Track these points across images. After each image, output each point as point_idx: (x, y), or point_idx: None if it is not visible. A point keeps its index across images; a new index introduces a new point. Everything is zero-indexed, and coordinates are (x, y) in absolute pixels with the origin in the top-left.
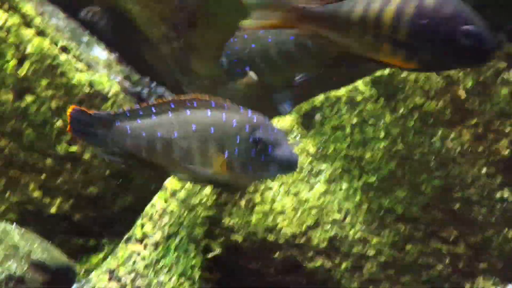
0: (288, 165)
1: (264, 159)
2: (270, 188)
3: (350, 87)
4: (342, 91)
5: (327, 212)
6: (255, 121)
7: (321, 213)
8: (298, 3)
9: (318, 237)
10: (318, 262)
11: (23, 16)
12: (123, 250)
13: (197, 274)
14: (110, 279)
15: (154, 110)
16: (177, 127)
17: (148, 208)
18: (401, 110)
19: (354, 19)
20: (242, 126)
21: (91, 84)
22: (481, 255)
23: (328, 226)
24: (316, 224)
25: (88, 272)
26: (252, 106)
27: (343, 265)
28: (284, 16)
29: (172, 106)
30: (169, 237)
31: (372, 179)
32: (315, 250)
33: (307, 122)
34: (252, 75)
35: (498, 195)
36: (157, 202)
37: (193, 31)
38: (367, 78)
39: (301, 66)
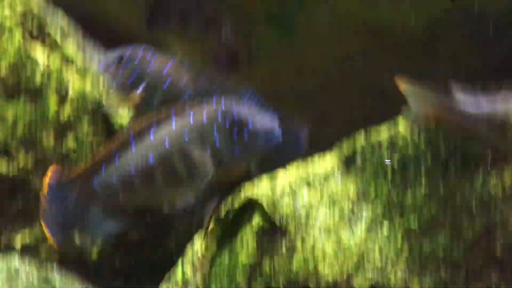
0: (271, 133)
1: (248, 137)
2: (311, 234)
3: (391, 130)
4: (383, 134)
5: (368, 257)
6: (223, 107)
7: (362, 258)
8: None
9: (360, 283)
10: None
11: (65, 57)
12: None
13: None
14: None
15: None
16: (151, 153)
17: (188, 252)
18: (443, 154)
19: None
20: (213, 118)
21: None
22: None
23: (369, 272)
24: (357, 270)
25: None
26: None
27: None
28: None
29: (132, 137)
30: (210, 282)
31: (413, 223)
32: None
33: (348, 165)
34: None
35: None
36: (199, 246)
37: (235, 71)
38: (408, 121)
39: None
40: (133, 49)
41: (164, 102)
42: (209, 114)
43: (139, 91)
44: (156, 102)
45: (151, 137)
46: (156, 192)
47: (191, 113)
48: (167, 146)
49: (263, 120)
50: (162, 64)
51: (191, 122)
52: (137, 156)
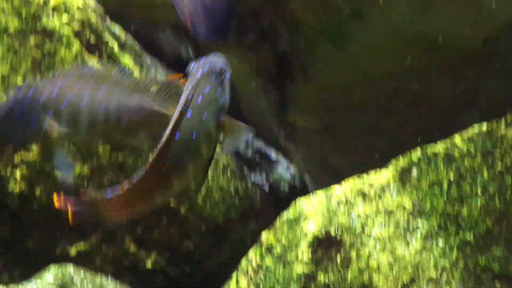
0: None
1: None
2: (366, 244)
3: (447, 142)
4: (439, 146)
5: (423, 269)
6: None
7: (417, 271)
8: None
9: None
10: None
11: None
12: None
13: None
14: None
15: None
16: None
17: (243, 263)
18: (499, 167)
19: None
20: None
21: None
22: None
23: (424, 284)
24: (412, 282)
25: None
26: None
27: None
28: None
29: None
30: None
31: (469, 236)
32: None
33: (403, 178)
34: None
35: None
36: (253, 257)
37: (290, 83)
38: (465, 134)
39: None
40: None
41: None
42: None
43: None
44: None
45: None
46: None
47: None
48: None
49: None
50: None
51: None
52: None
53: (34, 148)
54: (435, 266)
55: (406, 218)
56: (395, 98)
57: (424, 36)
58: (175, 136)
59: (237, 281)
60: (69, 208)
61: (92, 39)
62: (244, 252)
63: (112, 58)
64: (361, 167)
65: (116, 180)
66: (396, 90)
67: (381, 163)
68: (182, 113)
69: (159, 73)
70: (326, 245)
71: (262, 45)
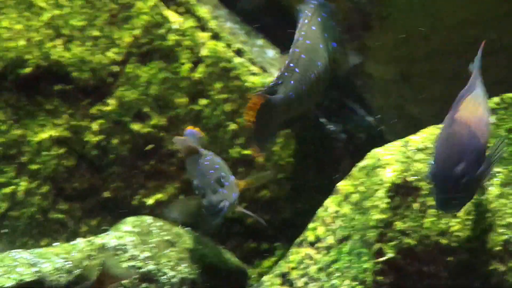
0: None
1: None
2: None
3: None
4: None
5: (501, 215)
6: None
7: (495, 217)
8: None
9: (492, 241)
10: (492, 265)
11: (198, 20)
12: (295, 253)
13: (369, 277)
14: (282, 283)
15: None
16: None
17: (320, 212)
18: None
19: None
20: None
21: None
22: None
23: (502, 230)
24: (489, 228)
25: (260, 275)
26: None
27: None
28: None
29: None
30: (341, 240)
31: None
32: (489, 253)
33: None
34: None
35: None
36: (330, 205)
37: (367, 33)
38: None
39: None
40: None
41: None
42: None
43: None
44: None
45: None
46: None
47: None
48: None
49: None
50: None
51: None
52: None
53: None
54: None
55: None
56: (474, 46)
57: None
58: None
59: (315, 229)
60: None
61: None
62: (321, 200)
63: (188, 7)
64: (439, 116)
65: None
66: (475, 37)
67: None
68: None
69: (236, 25)
70: (404, 192)
71: None
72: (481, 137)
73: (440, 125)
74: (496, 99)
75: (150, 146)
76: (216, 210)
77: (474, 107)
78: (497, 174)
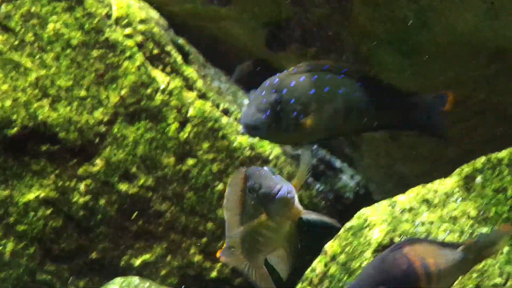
0: (271, 197)
1: (259, 201)
2: None
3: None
4: (504, 153)
5: (488, 275)
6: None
7: (482, 277)
8: None
9: None
10: None
11: (186, 79)
12: None
13: None
14: None
15: None
16: None
17: (308, 272)
18: None
19: None
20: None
21: (252, 147)
22: None
23: None
24: (477, 287)
25: None
26: None
27: None
28: None
29: None
30: None
31: None
32: None
33: (468, 185)
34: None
35: None
36: (317, 266)
37: None
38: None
39: None
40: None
41: None
42: None
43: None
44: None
45: None
46: None
47: None
48: None
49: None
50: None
51: None
52: None
53: (98, 161)
54: (500, 273)
55: (471, 225)
56: (463, 105)
57: (491, 44)
58: None
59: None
60: None
61: (155, 51)
62: (309, 261)
63: (175, 67)
64: (428, 176)
65: (181, 190)
66: (464, 97)
67: (448, 172)
68: None
69: (223, 84)
70: None
71: (327, 55)
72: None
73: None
74: (483, 159)
75: (134, 215)
76: (274, 192)
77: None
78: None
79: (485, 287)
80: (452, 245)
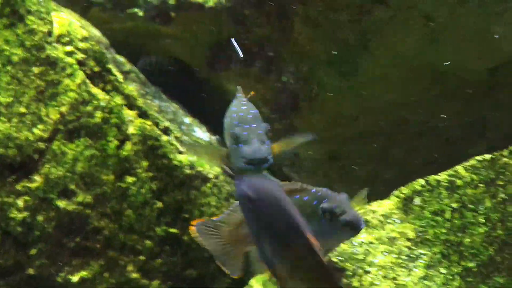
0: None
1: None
2: (369, 272)
3: (450, 171)
4: (442, 175)
5: None
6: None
7: None
8: None
9: None
10: None
11: (126, 97)
12: None
13: None
14: None
15: None
16: None
17: None
18: (501, 195)
19: None
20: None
21: (191, 166)
22: None
23: None
24: None
25: None
26: None
27: None
28: None
29: None
30: None
31: (471, 264)
32: None
33: (406, 206)
34: None
35: None
36: (255, 284)
37: (295, 113)
38: (468, 163)
39: None
40: None
41: None
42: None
43: None
44: None
45: None
46: None
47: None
48: None
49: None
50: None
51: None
52: None
53: (37, 177)
54: None
55: (408, 246)
56: (402, 128)
57: (431, 67)
58: None
59: None
60: None
61: (96, 69)
62: (246, 280)
63: (116, 85)
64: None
65: (120, 208)
66: (403, 120)
67: (387, 193)
68: None
69: (163, 102)
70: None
71: (268, 75)
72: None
73: (367, 205)
74: (421, 181)
75: None
76: (262, 159)
77: None
78: (421, 256)
79: None
80: None
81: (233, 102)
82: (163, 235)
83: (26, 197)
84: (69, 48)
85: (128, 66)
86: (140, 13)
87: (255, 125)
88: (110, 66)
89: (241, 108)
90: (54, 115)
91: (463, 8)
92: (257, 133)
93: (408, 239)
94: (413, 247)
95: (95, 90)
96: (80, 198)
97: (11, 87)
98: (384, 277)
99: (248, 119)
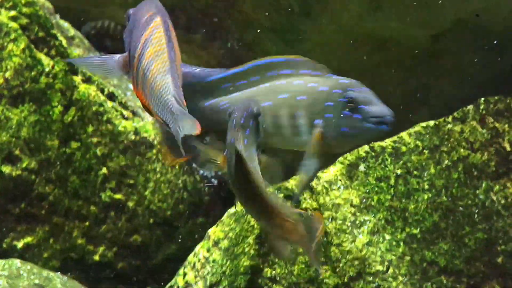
0: (382, 121)
1: (359, 117)
2: None
3: (395, 137)
4: (387, 142)
5: (369, 263)
6: (346, 82)
7: (364, 264)
8: None
9: (361, 287)
10: None
11: (71, 63)
12: None
13: None
14: None
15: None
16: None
17: (190, 257)
18: (446, 162)
19: None
20: (332, 89)
21: (136, 132)
22: None
23: (371, 278)
24: (358, 275)
25: None
26: None
27: None
28: None
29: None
30: (211, 286)
31: (415, 230)
32: None
33: (351, 173)
34: None
35: None
36: (200, 251)
37: None
38: (412, 129)
39: None
40: None
41: None
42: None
43: None
44: None
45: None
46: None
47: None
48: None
49: (378, 107)
50: None
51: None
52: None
53: None
54: (382, 260)
55: (353, 212)
56: None
57: (374, 34)
58: None
59: (184, 275)
60: None
61: (40, 34)
62: (192, 246)
63: (60, 50)
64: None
65: (64, 173)
66: None
67: (331, 162)
68: None
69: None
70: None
71: (211, 42)
72: None
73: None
74: (366, 148)
75: None
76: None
77: None
78: (365, 222)
79: (367, 274)
80: None
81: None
82: (108, 201)
83: None
84: (12, 12)
85: (72, 32)
86: None
87: (364, 88)
88: (55, 31)
89: (325, 78)
90: None
91: None
92: (374, 94)
93: (353, 206)
94: (358, 213)
95: (39, 55)
96: (24, 164)
97: None
98: (329, 243)
99: (352, 83)
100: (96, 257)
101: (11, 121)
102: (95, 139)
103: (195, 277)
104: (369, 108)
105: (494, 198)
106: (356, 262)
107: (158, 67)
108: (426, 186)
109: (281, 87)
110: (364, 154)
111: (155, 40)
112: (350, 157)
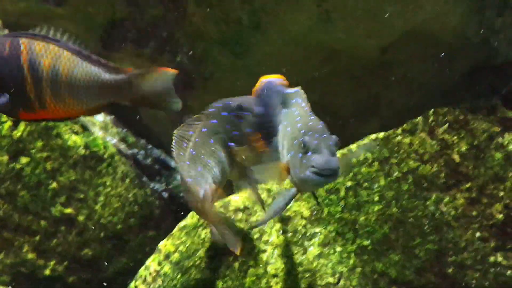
0: (319, 172)
1: (305, 162)
2: (264, 251)
3: (344, 150)
4: (337, 154)
5: (320, 275)
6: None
7: (315, 277)
8: None
9: None
10: None
11: None
12: None
13: None
14: None
15: None
16: None
17: (141, 271)
18: (395, 174)
19: None
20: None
21: (86, 146)
22: None
23: None
24: (310, 286)
25: None
26: None
27: None
28: None
29: None
30: None
31: (366, 242)
32: None
33: None
34: None
35: (491, 259)
36: (151, 264)
37: (189, 93)
38: (361, 142)
39: None
40: None
41: None
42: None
43: None
44: None
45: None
46: None
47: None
48: None
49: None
50: None
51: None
52: None
53: None
54: (333, 272)
55: (303, 225)
56: None
57: (324, 46)
58: None
59: (135, 286)
60: None
61: None
62: (143, 260)
63: None
64: None
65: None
66: None
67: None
68: None
69: None
70: (224, 252)
71: (161, 55)
72: None
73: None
74: None
75: None
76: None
77: None
78: (316, 234)
79: (318, 287)
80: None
81: (293, 109)
82: (58, 215)
83: None
84: None
85: None
86: None
87: (325, 135)
88: None
89: (308, 117)
90: None
91: None
92: (328, 144)
93: (303, 218)
94: (308, 225)
95: None
96: None
97: None
98: (280, 255)
99: (318, 129)
100: (47, 271)
101: None
102: (44, 154)
103: None
104: (314, 157)
105: (444, 209)
106: (307, 274)
107: None
108: (376, 198)
109: None
110: None
111: None
112: None
